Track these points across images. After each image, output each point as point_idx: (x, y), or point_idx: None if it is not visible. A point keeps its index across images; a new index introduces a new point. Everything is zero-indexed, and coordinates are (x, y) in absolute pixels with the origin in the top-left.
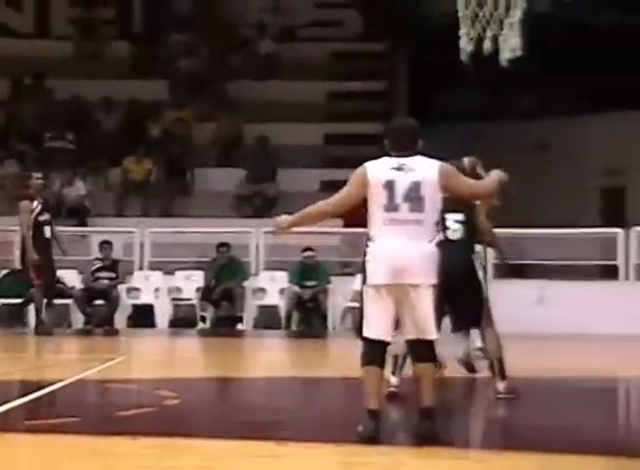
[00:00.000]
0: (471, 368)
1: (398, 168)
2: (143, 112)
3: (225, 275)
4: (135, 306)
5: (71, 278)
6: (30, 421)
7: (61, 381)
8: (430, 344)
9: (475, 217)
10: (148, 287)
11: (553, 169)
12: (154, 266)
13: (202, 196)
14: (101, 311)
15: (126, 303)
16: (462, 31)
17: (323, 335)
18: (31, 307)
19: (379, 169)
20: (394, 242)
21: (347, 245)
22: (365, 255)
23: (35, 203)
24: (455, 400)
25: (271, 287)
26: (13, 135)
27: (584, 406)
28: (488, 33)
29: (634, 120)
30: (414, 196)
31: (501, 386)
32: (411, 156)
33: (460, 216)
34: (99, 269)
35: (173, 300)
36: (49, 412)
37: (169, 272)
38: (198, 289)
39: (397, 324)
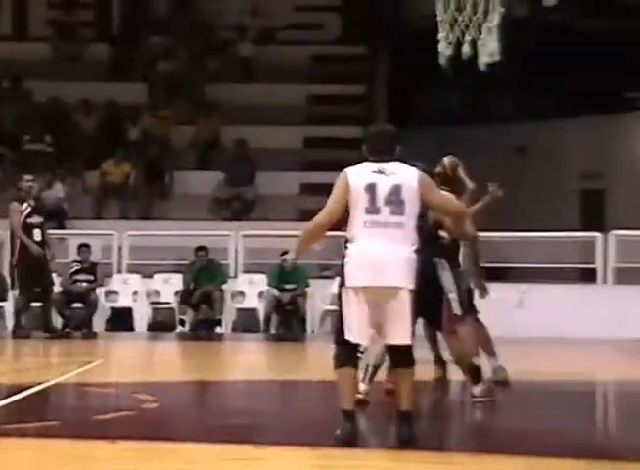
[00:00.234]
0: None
1: (379, 172)
2: (121, 114)
3: (204, 278)
4: (113, 310)
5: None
6: (9, 425)
7: (39, 384)
8: (407, 348)
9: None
10: (126, 290)
11: (532, 173)
12: (132, 269)
13: (180, 199)
14: (79, 314)
15: (105, 306)
16: (441, 35)
17: (302, 338)
18: (8, 310)
19: (360, 173)
20: (375, 244)
21: (327, 248)
22: (344, 257)
23: (25, 205)
24: (434, 404)
25: (250, 290)
26: None
27: (563, 410)
28: (467, 37)
29: (612, 124)
30: (395, 199)
31: (476, 390)
32: (390, 161)
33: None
34: (77, 272)
35: (152, 303)
36: (27, 416)
37: (148, 275)
38: (176, 292)
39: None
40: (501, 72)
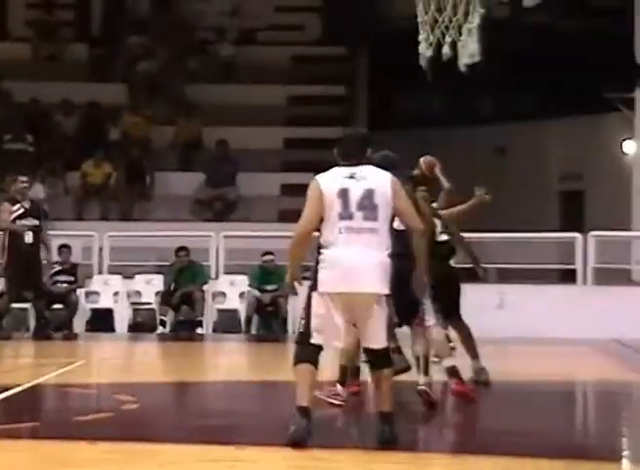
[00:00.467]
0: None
1: (351, 177)
2: (102, 115)
3: (185, 279)
4: (94, 311)
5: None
6: None
7: (19, 385)
8: (384, 351)
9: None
10: (107, 291)
11: (512, 174)
12: (113, 270)
13: (161, 200)
14: (59, 316)
15: (85, 307)
16: (421, 37)
17: (283, 339)
18: None
19: (331, 179)
20: (349, 250)
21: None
22: (317, 262)
23: (17, 206)
24: (412, 404)
25: (231, 291)
26: None
27: (543, 410)
28: (447, 39)
29: (592, 125)
30: (367, 204)
31: (422, 379)
32: (361, 165)
33: None
34: (57, 273)
35: (133, 304)
36: (7, 417)
37: (129, 276)
38: (157, 293)
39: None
40: (481, 74)
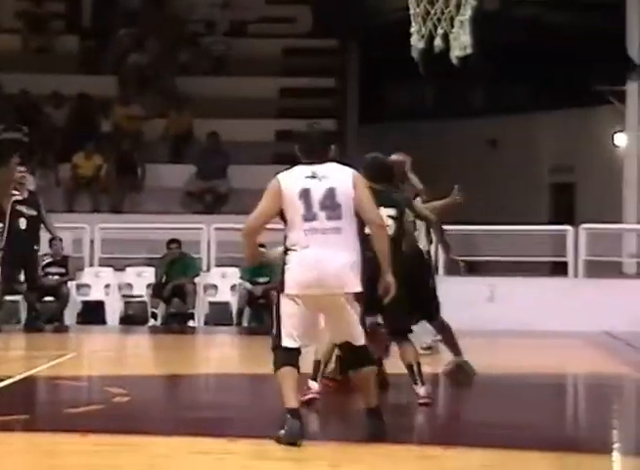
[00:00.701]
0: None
1: (312, 176)
2: (93, 107)
3: (176, 272)
4: (85, 303)
5: (20, 274)
6: None
7: (10, 377)
8: (362, 348)
9: (411, 211)
10: (98, 283)
11: (503, 166)
12: (104, 263)
13: (152, 192)
14: (50, 308)
15: (76, 299)
16: (413, 29)
17: None
18: None
19: (292, 180)
20: (315, 252)
21: None
22: (284, 263)
23: (17, 193)
24: (404, 398)
25: (222, 283)
26: None
27: (534, 403)
28: (439, 31)
29: (583, 117)
30: (329, 204)
31: (422, 391)
32: (323, 163)
33: (392, 211)
34: (48, 265)
35: (124, 296)
36: None
37: (120, 269)
38: (148, 285)
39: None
40: (473, 66)
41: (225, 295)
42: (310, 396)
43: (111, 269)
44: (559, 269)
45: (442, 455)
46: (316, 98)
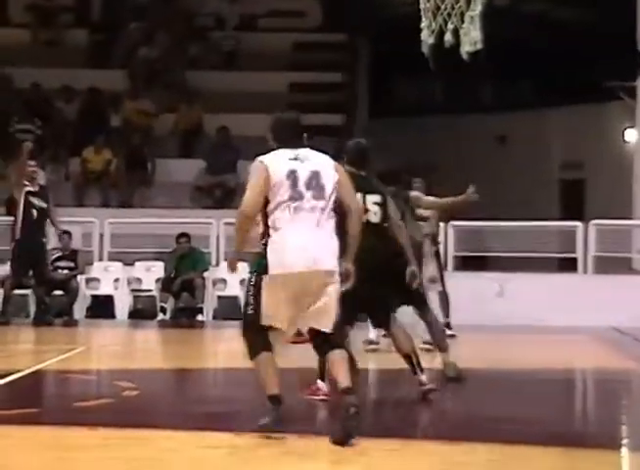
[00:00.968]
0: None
1: (295, 158)
2: (103, 101)
3: (185, 266)
4: (94, 297)
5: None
6: None
7: (19, 371)
8: (330, 335)
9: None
10: (107, 278)
11: (512, 162)
12: (113, 257)
13: (162, 187)
14: (60, 302)
15: (85, 293)
16: (423, 24)
17: None
18: None
19: (278, 161)
20: (302, 231)
21: None
22: (266, 245)
23: (29, 184)
24: (406, 392)
25: (231, 278)
26: None
27: (540, 398)
28: (450, 26)
29: (593, 113)
30: (315, 184)
31: (424, 377)
32: (299, 148)
33: (377, 198)
34: (58, 259)
35: (133, 291)
36: (8, 403)
37: (129, 263)
38: (158, 280)
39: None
40: (482, 62)
41: (234, 289)
42: (322, 397)
43: (120, 264)
44: (568, 265)
45: (449, 450)
46: (325, 92)
